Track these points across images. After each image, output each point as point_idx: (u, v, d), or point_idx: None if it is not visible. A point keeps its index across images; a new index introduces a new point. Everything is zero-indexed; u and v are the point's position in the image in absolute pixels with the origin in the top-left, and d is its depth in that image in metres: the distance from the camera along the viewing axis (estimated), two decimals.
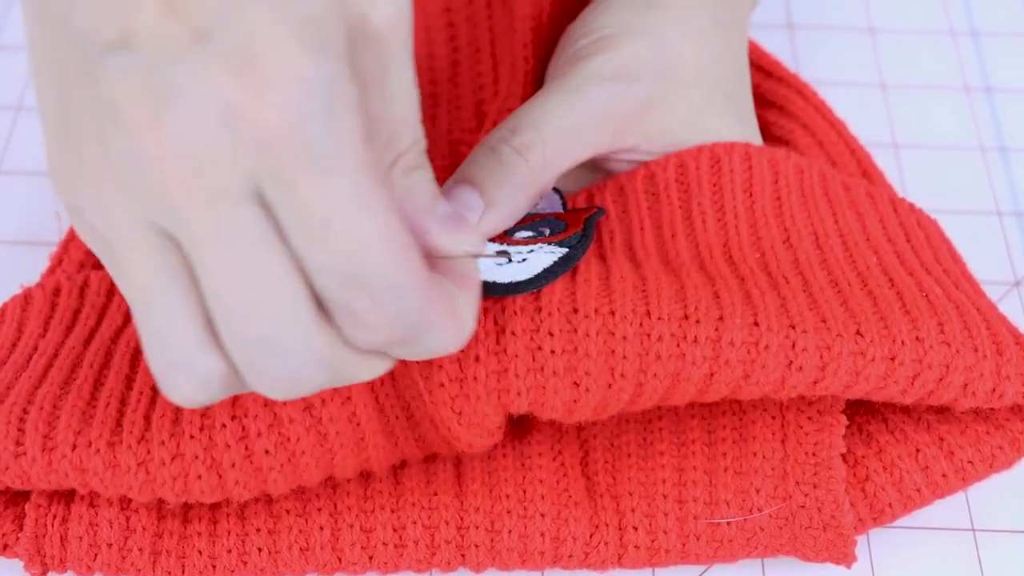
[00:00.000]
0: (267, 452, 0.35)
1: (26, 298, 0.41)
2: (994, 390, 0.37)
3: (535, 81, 0.50)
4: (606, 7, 0.42)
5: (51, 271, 0.45)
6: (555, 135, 0.38)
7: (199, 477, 0.35)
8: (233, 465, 0.35)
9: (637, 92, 0.40)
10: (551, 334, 0.34)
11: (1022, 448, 0.40)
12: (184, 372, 0.29)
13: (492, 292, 0.35)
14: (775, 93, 0.51)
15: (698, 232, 0.40)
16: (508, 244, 0.37)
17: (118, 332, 0.39)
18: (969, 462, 0.39)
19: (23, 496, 0.39)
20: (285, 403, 0.35)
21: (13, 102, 0.54)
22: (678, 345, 0.35)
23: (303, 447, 0.35)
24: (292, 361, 0.28)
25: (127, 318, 0.40)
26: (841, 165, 0.48)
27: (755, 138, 0.43)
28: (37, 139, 0.52)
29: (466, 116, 0.51)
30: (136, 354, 0.38)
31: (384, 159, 0.31)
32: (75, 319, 0.40)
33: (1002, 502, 0.43)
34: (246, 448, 0.35)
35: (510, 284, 0.35)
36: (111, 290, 0.41)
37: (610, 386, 0.35)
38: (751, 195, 0.41)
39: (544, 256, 0.36)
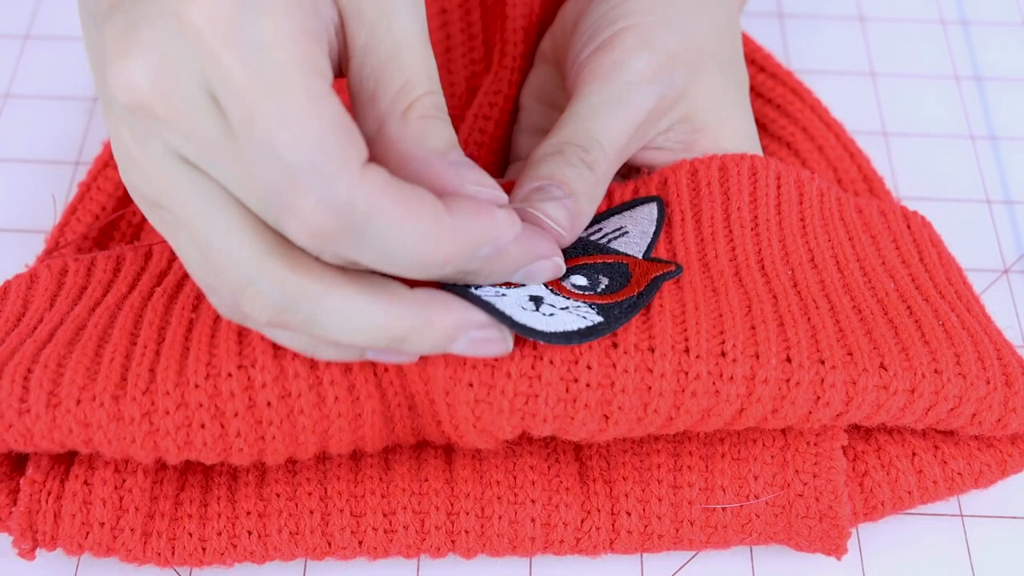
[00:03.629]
0: (269, 404, 0.35)
1: (31, 277, 0.41)
2: (999, 420, 0.38)
3: (524, 65, 0.50)
4: None
5: (50, 250, 0.45)
6: (614, 147, 0.39)
7: (202, 426, 0.35)
8: (236, 415, 0.35)
9: (674, 89, 0.40)
10: (589, 367, 0.34)
11: (1007, 470, 0.40)
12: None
13: (500, 319, 0.34)
14: (772, 90, 0.51)
15: (736, 236, 0.40)
16: (554, 290, 0.37)
17: (122, 299, 0.39)
18: (959, 473, 0.40)
19: (19, 470, 0.39)
20: (292, 358, 0.35)
21: (1, 89, 0.54)
22: (714, 383, 0.35)
23: (302, 405, 0.35)
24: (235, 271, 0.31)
25: (131, 287, 0.40)
26: (842, 170, 0.49)
27: (754, 127, 0.43)
28: (28, 126, 0.53)
29: (458, 92, 0.52)
30: (140, 312, 0.38)
31: (399, 104, 0.32)
32: (81, 295, 0.40)
33: (990, 488, 0.43)
34: (249, 398, 0.35)
35: (524, 326, 0.34)
36: (117, 268, 0.41)
37: (640, 420, 0.35)
38: (779, 212, 0.41)
39: (574, 318, 0.35)
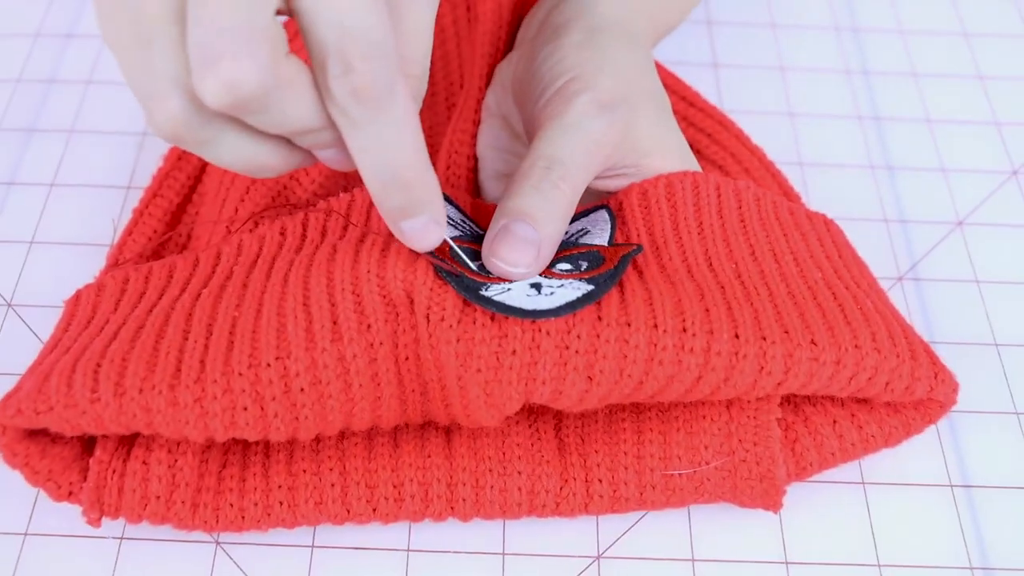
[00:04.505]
0: (302, 390, 0.35)
1: (99, 286, 0.41)
2: (907, 388, 0.38)
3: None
4: (569, 48, 0.43)
5: (111, 265, 0.45)
6: (575, 166, 0.39)
7: (245, 409, 0.34)
8: (274, 399, 0.35)
9: (619, 119, 0.40)
10: (579, 337, 0.35)
11: (910, 431, 0.41)
12: (159, 102, 0.30)
13: (513, 314, 0.35)
14: (703, 122, 0.51)
15: (685, 241, 0.40)
16: (546, 276, 0.37)
17: (175, 300, 0.39)
18: (872, 436, 0.41)
19: (88, 451, 0.39)
20: (322, 351, 0.35)
21: (68, 125, 0.54)
22: (677, 354, 0.35)
23: (331, 391, 0.35)
24: (248, 65, 0.28)
25: (182, 290, 0.40)
26: (764, 188, 0.49)
27: (686, 143, 0.44)
28: (89, 157, 0.52)
29: (440, 121, 0.51)
30: (190, 312, 0.38)
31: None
32: (140, 299, 0.40)
33: (887, 460, 0.44)
34: (285, 385, 0.34)
35: (532, 311, 0.35)
36: (170, 274, 0.41)
37: (617, 383, 0.36)
38: (721, 215, 0.41)
39: (571, 291, 0.36)
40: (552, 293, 0.36)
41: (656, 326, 0.35)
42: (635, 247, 0.38)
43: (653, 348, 0.35)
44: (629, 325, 0.35)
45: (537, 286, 0.36)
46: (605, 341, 0.35)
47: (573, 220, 0.41)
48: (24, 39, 0.58)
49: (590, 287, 0.36)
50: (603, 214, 0.41)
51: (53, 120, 0.54)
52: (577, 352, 0.35)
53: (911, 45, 0.60)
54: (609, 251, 0.38)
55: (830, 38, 0.61)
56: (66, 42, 0.58)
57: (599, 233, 0.40)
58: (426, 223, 0.34)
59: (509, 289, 0.36)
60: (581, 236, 0.40)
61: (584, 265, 0.38)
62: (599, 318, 0.35)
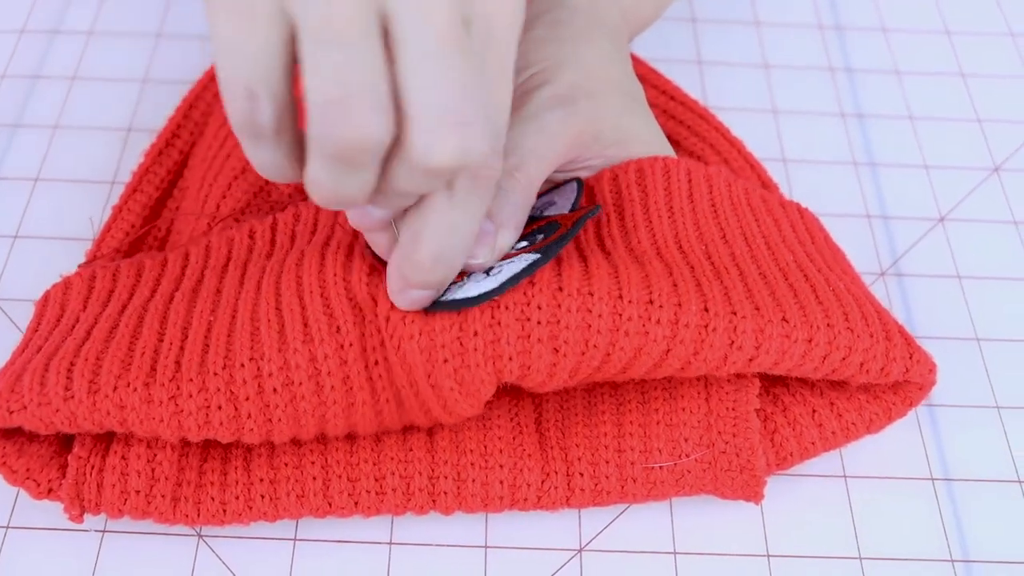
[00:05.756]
0: (275, 390, 0.35)
1: (66, 284, 0.41)
2: (882, 369, 0.38)
3: None
4: (532, 43, 0.43)
5: (88, 261, 0.44)
6: (531, 156, 0.38)
7: (219, 408, 0.35)
8: (247, 399, 0.35)
9: (579, 112, 0.40)
10: (539, 307, 0.34)
11: (892, 416, 0.41)
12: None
13: (465, 306, 0.34)
14: (683, 114, 0.51)
15: (655, 224, 0.40)
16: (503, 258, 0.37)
17: (147, 301, 0.39)
18: (852, 424, 0.40)
19: (67, 448, 0.38)
20: (294, 352, 0.34)
21: (52, 121, 0.54)
22: (643, 325, 0.35)
23: (303, 392, 0.35)
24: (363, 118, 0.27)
25: (153, 290, 0.40)
26: (743, 178, 0.48)
27: (658, 130, 0.44)
28: (74, 152, 0.52)
29: None
30: (164, 314, 0.38)
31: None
32: (109, 297, 0.40)
33: (868, 453, 0.43)
34: (259, 385, 0.35)
35: (478, 296, 0.34)
36: (138, 273, 0.41)
37: (583, 354, 0.35)
38: (692, 200, 0.41)
39: (518, 264, 0.35)
40: (500, 271, 0.35)
41: (621, 297, 0.35)
42: (592, 208, 0.38)
43: (618, 318, 0.34)
44: (591, 295, 0.35)
45: (488, 269, 0.36)
46: (567, 311, 0.34)
47: (543, 193, 0.40)
48: (9, 35, 0.57)
49: (537, 256, 0.35)
50: (572, 185, 0.40)
51: (38, 116, 0.54)
52: (539, 323, 0.34)
53: (894, 43, 0.60)
54: (566, 217, 0.38)
55: (814, 35, 0.61)
56: (51, 38, 0.57)
57: (564, 203, 0.39)
58: (431, 296, 0.35)
59: (463, 285, 0.35)
60: (547, 208, 0.40)
61: (540, 237, 0.37)
62: (560, 288, 0.35)
